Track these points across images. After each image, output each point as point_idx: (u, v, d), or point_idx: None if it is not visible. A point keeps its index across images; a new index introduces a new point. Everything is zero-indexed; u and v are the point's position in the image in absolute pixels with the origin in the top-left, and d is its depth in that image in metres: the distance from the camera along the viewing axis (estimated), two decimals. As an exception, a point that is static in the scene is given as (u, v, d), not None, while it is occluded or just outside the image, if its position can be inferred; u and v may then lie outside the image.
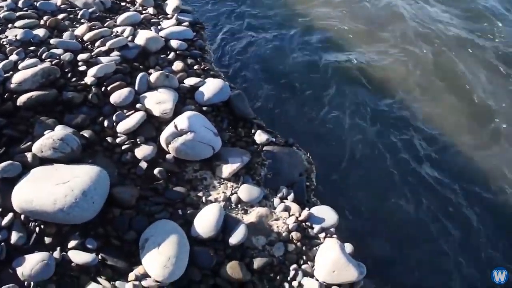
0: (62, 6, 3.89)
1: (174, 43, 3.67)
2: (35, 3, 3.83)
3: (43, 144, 2.56)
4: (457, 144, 5.12)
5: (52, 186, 2.36)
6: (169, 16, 4.11)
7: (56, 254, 2.29)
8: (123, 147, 2.84)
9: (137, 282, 2.28)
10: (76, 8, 3.92)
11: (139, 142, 2.87)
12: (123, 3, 4.21)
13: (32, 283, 2.18)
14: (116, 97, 3.00)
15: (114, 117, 2.94)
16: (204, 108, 3.20)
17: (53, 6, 3.85)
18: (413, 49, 6.51)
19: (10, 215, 2.36)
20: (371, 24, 6.99)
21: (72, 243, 2.34)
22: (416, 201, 4.35)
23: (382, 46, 6.55)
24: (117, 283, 2.29)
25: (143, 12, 4.10)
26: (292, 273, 2.52)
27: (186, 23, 3.98)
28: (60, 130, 2.71)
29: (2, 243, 2.25)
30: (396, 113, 5.34)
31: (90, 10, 3.86)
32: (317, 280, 2.51)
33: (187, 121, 2.81)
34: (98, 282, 2.29)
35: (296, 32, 6.54)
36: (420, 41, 6.71)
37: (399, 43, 6.62)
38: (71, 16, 3.81)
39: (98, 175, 2.49)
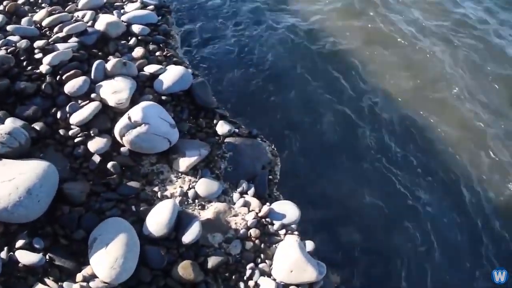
0: (23, -10, 3.76)
1: (135, 28, 3.56)
2: (-5, -14, 3.70)
3: (-10, 138, 2.49)
4: (439, 134, 5.12)
5: (-4, 185, 2.30)
6: (134, -1, 3.98)
7: (3, 254, 2.25)
8: (76, 140, 2.79)
9: (84, 284, 2.26)
10: (38, -7, 3.79)
11: (92, 135, 2.81)
12: (87, -15, 4.06)
13: (-22, 284, 2.15)
14: (70, 87, 2.93)
15: (67, 108, 2.88)
16: (163, 98, 3.12)
17: (13, -10, 3.72)
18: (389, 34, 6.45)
19: (-45, 214, 2.30)
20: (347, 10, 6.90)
21: (19, 243, 2.29)
22: (390, 195, 4.36)
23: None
24: (65, 284, 2.26)
25: (107, -6, 3.97)
26: (248, 272, 2.49)
27: (151, 7, 3.85)
28: (9, 124, 2.63)
29: None
30: (365, 103, 5.32)
31: (51, -7, 3.74)
32: (274, 279, 2.48)
33: (141, 112, 2.74)
34: (45, 283, 2.25)
35: (271, 19, 6.46)
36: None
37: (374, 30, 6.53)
38: (32, 0, 3.69)
39: (45, 171, 2.43)
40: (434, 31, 6.61)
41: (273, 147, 3.23)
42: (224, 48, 5.56)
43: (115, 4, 3.85)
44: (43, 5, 3.71)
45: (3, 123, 2.67)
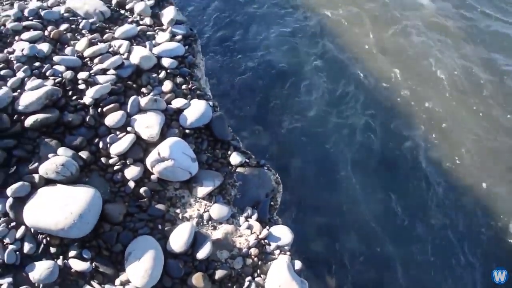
0: (65, 14, 4.50)
1: (165, 61, 4.28)
2: (40, 10, 4.42)
3: (48, 168, 3.32)
4: (443, 145, 5.62)
5: (55, 209, 3.14)
6: (164, 27, 4.63)
7: (60, 261, 3.12)
8: (115, 168, 3.59)
9: (122, 287, 3.11)
10: (78, 17, 4.51)
11: (128, 163, 3.60)
12: (122, 11, 4.75)
13: (41, 285, 3.02)
14: (110, 120, 3.70)
15: (108, 139, 3.65)
16: (187, 131, 3.87)
17: (56, 15, 4.47)
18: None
19: (23, 228, 3.17)
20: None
21: (71, 253, 3.16)
22: (388, 204, 4.93)
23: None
24: (106, 286, 3.14)
25: (140, 22, 4.64)
26: (246, 284, 3.30)
27: (179, 37, 4.51)
28: (62, 155, 3.43)
29: (17, 252, 3.09)
30: (373, 133, 5.90)
31: (90, 21, 4.46)
32: (265, 291, 3.30)
33: (169, 149, 3.53)
34: (92, 286, 3.12)
35: (288, 42, 6.84)
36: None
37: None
38: (73, 26, 4.42)
39: (92, 198, 3.25)
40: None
41: (277, 176, 3.96)
42: (246, 72, 6.11)
43: (147, 33, 4.53)
44: (83, 31, 4.43)
45: (55, 152, 3.46)
